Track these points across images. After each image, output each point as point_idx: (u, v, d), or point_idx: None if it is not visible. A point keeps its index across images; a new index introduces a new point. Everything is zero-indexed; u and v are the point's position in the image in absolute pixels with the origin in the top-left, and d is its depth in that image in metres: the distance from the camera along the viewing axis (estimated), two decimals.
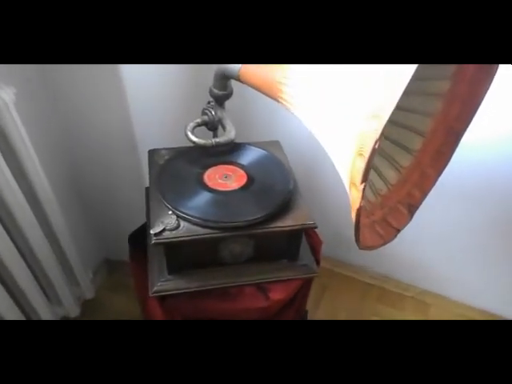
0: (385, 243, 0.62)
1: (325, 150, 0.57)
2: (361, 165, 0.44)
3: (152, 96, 0.85)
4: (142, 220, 0.84)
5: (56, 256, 0.82)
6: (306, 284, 0.78)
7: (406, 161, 0.70)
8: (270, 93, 0.65)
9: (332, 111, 0.50)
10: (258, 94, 0.94)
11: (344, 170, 0.50)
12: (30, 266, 0.77)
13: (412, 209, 0.70)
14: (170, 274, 0.69)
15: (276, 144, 0.82)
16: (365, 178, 0.43)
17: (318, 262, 0.77)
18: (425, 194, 0.71)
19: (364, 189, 0.44)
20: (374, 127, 0.42)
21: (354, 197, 0.48)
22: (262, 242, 0.69)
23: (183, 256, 0.67)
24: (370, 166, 0.42)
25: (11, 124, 0.59)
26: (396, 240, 0.91)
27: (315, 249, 0.79)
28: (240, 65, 0.67)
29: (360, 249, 0.54)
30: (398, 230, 0.65)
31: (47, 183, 0.72)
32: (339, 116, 0.49)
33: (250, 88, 0.86)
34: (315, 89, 0.52)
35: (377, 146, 0.41)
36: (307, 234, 0.80)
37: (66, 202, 0.87)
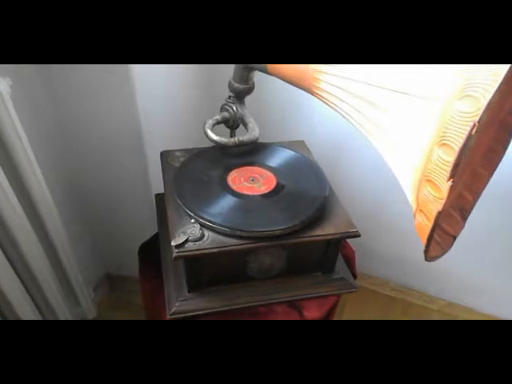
0: (444, 253, 0.54)
1: (366, 144, 0.49)
2: (445, 157, 0.36)
3: (161, 93, 0.76)
4: (149, 231, 0.75)
5: (55, 272, 0.72)
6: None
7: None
8: (302, 83, 0.57)
9: (398, 94, 0.42)
10: (274, 89, 0.87)
11: (409, 162, 0.42)
12: (24, 284, 0.67)
13: (464, 213, 0.62)
14: (190, 291, 0.59)
15: (301, 144, 0.74)
16: (453, 173, 0.35)
17: (354, 276, 0.68)
18: (476, 196, 0.63)
19: (451, 187, 0.36)
20: (466, 109, 0.34)
21: (428, 197, 0.39)
22: (296, 253, 0.60)
23: (205, 271, 0.58)
24: (461, 158, 0.34)
25: (6, 117, 0.50)
26: (419, 249, 0.84)
27: (350, 260, 0.70)
28: None
29: (426, 260, 0.46)
30: (454, 238, 0.58)
31: (45, 187, 0.63)
32: (408, 99, 0.41)
33: (265, 83, 0.79)
34: (374, 70, 0.44)
35: (473, 132, 0.33)
36: None
37: (64, 210, 0.77)
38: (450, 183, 0.35)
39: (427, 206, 0.40)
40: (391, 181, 0.89)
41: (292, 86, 0.84)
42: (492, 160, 0.64)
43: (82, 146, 0.79)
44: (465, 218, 0.61)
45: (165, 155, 0.68)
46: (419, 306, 1.15)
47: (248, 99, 0.68)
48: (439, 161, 0.37)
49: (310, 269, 0.64)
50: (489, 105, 0.32)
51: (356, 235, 0.58)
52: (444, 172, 0.36)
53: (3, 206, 0.55)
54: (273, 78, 0.81)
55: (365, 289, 1.17)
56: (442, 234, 0.56)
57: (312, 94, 0.56)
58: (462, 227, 0.60)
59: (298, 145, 0.73)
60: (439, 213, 0.37)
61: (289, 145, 0.71)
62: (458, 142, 0.34)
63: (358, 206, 0.97)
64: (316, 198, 0.59)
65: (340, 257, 0.69)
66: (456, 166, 0.35)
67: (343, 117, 0.52)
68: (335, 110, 0.53)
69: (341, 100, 0.51)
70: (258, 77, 0.66)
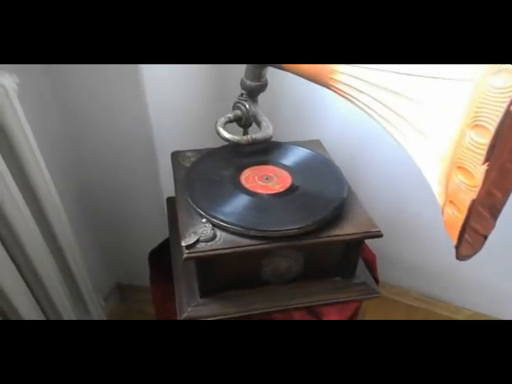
0: (475, 252, 0.50)
1: (387, 136, 0.46)
2: (479, 139, 0.33)
3: (172, 94, 0.75)
4: (161, 237, 0.72)
5: (64, 278, 0.70)
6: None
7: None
8: (319, 77, 0.54)
9: (425, 80, 0.39)
10: (287, 88, 0.84)
11: (437, 151, 0.39)
12: (33, 293, 0.65)
13: (494, 211, 0.58)
14: (202, 297, 0.56)
15: (317, 143, 0.71)
16: (489, 155, 0.32)
17: (376, 281, 0.64)
18: (507, 193, 0.59)
19: (488, 171, 0.32)
20: (502, 83, 0.31)
21: (460, 186, 0.36)
22: (314, 255, 0.57)
23: (218, 275, 0.55)
24: (497, 138, 0.31)
25: (11, 113, 0.48)
26: (443, 256, 0.79)
27: (371, 264, 0.67)
28: None
29: (458, 258, 0.42)
30: (485, 237, 0.53)
31: (54, 190, 0.61)
32: (436, 83, 0.38)
33: (278, 81, 0.76)
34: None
35: (511, 108, 0.30)
36: None
37: (74, 217, 0.76)
38: (485, 167, 0.32)
39: (458, 196, 0.37)
40: (412, 183, 0.86)
41: (305, 84, 0.82)
42: None
43: (92, 151, 0.78)
44: (495, 217, 0.57)
45: (176, 155, 0.66)
46: (443, 316, 1.09)
47: (260, 98, 0.65)
48: (472, 144, 0.33)
49: (329, 273, 0.60)
50: None
51: (378, 235, 0.54)
52: (478, 156, 0.33)
53: (9, 207, 0.53)
54: (286, 75, 0.79)
55: (386, 298, 1.12)
56: (472, 233, 0.52)
57: (329, 88, 0.53)
58: (493, 226, 0.56)
59: (314, 144, 0.70)
60: (473, 201, 0.34)
61: (304, 144, 0.68)
62: (493, 122, 0.31)
63: (377, 210, 0.93)
64: (334, 196, 0.56)
65: (360, 261, 0.65)
66: (492, 147, 0.31)
67: (362, 110, 0.49)
68: (354, 103, 0.50)
69: (360, 92, 0.48)
70: (270, 75, 0.64)
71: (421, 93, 0.40)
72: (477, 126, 0.33)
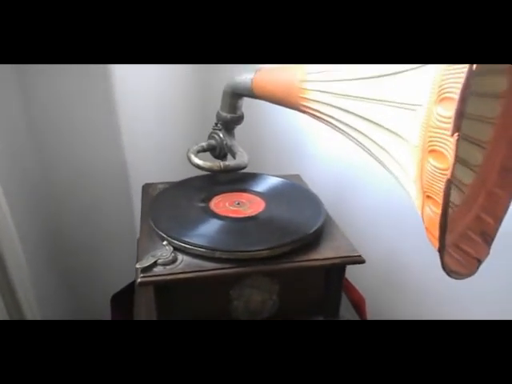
0: (469, 273, 0.44)
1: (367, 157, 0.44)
2: (445, 113, 0.30)
3: (148, 129, 0.73)
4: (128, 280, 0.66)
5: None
6: None
7: (467, 177, 0.56)
8: (289, 99, 0.54)
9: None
10: (270, 122, 0.82)
11: (410, 138, 0.36)
12: None
13: (487, 238, 0.54)
14: None
15: (297, 178, 0.68)
16: (457, 124, 0.28)
17: None
18: (498, 220, 0.56)
19: (458, 141, 0.29)
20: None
21: (434, 173, 0.32)
22: (291, 287, 0.50)
23: (179, 309, 0.48)
24: (463, 105, 0.28)
25: None
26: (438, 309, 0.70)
27: (358, 306, 0.59)
28: (252, 75, 0.57)
29: (446, 271, 0.37)
30: (479, 261, 0.48)
31: (10, 219, 0.56)
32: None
33: (260, 114, 0.75)
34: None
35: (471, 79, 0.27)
36: (345, 288, 0.61)
37: (31, 252, 0.67)
38: (456, 137, 0.28)
39: (434, 187, 0.33)
40: (401, 225, 0.80)
41: (285, 124, 0.81)
42: (509, 180, 0.58)
43: (59, 177, 0.72)
44: (488, 243, 0.53)
45: (146, 188, 0.63)
46: None
47: (239, 136, 0.64)
48: (440, 120, 0.31)
49: (310, 311, 0.53)
50: None
51: (359, 261, 0.48)
52: (447, 132, 0.30)
53: None
54: (264, 113, 0.79)
55: None
56: (462, 253, 0.47)
57: (301, 111, 0.53)
58: (487, 253, 0.52)
59: (294, 178, 0.67)
60: (449, 181, 0.30)
61: (283, 177, 0.65)
62: (457, 90, 0.29)
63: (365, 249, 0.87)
64: (311, 220, 0.52)
65: (348, 302, 0.58)
66: (459, 114, 0.28)
67: (334, 127, 0.48)
68: (326, 124, 0.49)
69: (328, 105, 0.48)
70: (251, 113, 0.63)
71: (382, 92, 0.38)
72: (443, 99, 0.30)
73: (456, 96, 0.28)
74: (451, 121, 0.29)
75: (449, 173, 0.30)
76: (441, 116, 0.30)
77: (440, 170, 0.31)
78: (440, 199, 0.32)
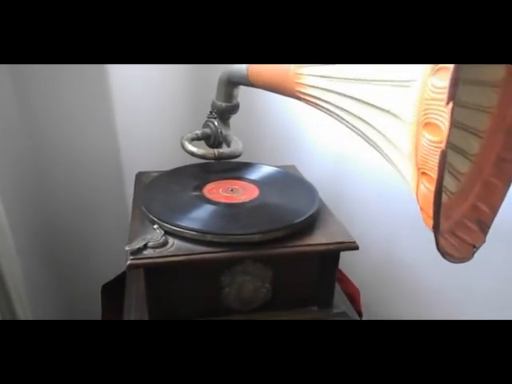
0: (464, 258, 0.44)
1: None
2: (440, 83, 0.29)
3: (144, 117, 0.73)
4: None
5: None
6: None
7: (463, 166, 0.56)
8: (285, 84, 0.54)
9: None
10: (266, 113, 0.81)
11: (404, 115, 0.35)
12: None
13: (483, 226, 0.54)
14: None
15: (292, 168, 0.68)
16: (451, 95, 0.28)
17: (359, 314, 0.55)
18: (494, 209, 0.55)
19: (453, 110, 0.28)
20: None
21: (429, 148, 0.32)
22: (284, 274, 0.49)
23: (171, 296, 0.47)
24: (458, 74, 0.27)
25: None
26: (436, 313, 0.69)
27: (353, 297, 0.58)
28: (246, 64, 0.57)
29: (439, 250, 0.36)
30: (474, 247, 0.48)
31: (2, 208, 0.55)
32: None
33: (256, 106, 0.74)
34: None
35: None
36: (339, 280, 0.60)
37: (22, 243, 0.65)
38: (450, 105, 0.28)
39: (428, 162, 0.33)
40: (397, 218, 0.79)
41: (281, 115, 0.81)
42: (505, 170, 0.57)
43: (52, 173, 0.71)
44: (484, 231, 0.52)
45: (140, 176, 0.62)
46: None
47: (235, 127, 0.63)
48: (434, 92, 0.30)
49: (303, 301, 0.52)
50: None
51: (353, 247, 0.48)
52: (441, 103, 0.29)
53: None
54: (261, 103, 0.78)
55: None
56: (458, 240, 0.46)
57: (296, 97, 0.52)
58: (483, 241, 0.51)
59: (289, 169, 0.67)
60: (443, 152, 0.29)
61: (278, 167, 0.65)
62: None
63: (365, 258, 0.86)
64: (305, 206, 0.51)
65: (343, 294, 0.57)
66: (454, 82, 0.28)
67: (330, 113, 0.47)
68: (321, 110, 0.48)
69: (325, 90, 0.47)
70: (246, 104, 0.62)
71: (378, 72, 0.38)
72: (438, 70, 0.30)
73: (451, 65, 0.28)
74: (446, 90, 0.28)
75: (443, 144, 0.29)
76: (435, 87, 0.30)
77: (435, 143, 0.31)
78: (435, 174, 0.31)
